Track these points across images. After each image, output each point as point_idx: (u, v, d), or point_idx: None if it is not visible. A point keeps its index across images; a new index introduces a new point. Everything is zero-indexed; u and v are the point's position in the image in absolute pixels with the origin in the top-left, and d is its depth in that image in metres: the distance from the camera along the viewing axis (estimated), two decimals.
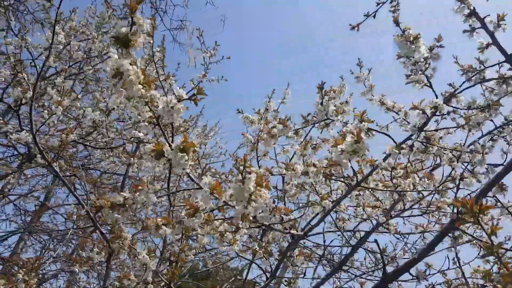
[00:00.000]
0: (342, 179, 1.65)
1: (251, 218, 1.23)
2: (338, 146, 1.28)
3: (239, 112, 2.47)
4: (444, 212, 2.01)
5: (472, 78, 1.50)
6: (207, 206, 1.28)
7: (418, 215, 2.20)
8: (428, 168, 2.08)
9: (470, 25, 1.43)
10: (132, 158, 3.69)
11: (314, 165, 1.55)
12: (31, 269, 2.03)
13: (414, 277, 1.67)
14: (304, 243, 2.67)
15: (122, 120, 4.54)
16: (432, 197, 1.95)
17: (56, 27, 2.61)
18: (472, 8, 1.38)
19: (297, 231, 1.83)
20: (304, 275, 2.35)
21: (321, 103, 1.62)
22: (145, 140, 4.06)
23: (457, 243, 1.78)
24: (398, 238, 2.43)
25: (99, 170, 4.83)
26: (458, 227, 1.57)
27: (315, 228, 1.96)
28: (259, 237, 2.52)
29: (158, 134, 1.22)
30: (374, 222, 2.21)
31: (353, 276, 2.71)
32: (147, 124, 1.08)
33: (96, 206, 1.21)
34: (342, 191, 1.75)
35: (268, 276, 2.20)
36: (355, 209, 2.15)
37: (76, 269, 2.46)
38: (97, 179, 4.26)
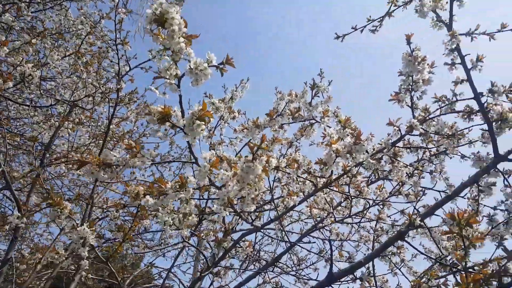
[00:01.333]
0: (312, 180, 1.72)
1: (249, 201, 1.21)
2: (333, 146, 1.33)
3: (207, 96, 2.42)
4: (384, 222, 2.20)
5: (443, 108, 1.69)
6: (201, 183, 1.24)
7: (358, 222, 2.37)
8: (378, 180, 2.26)
9: (452, 59, 1.60)
10: (65, 122, 3.36)
11: (296, 161, 1.59)
12: None
13: (358, 279, 1.79)
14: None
15: (52, 79, 4.12)
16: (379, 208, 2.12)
17: None
18: (458, 44, 1.55)
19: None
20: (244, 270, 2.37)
21: (310, 103, 1.67)
22: (80, 104, 3.73)
23: (400, 251, 1.96)
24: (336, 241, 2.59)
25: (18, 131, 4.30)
26: (404, 238, 1.74)
27: (273, 222, 2.00)
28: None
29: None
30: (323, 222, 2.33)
31: (282, 272, 2.82)
32: (170, 83, 1.01)
33: (81, 161, 1.09)
34: (308, 191, 1.82)
35: (210, 264, 2.19)
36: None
37: None
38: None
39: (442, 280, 1.65)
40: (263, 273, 2.98)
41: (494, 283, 1.29)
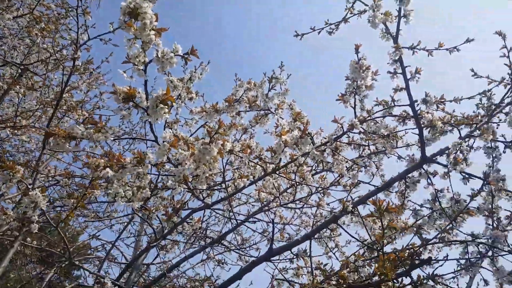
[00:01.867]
0: (262, 166, 1.87)
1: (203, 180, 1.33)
2: (282, 136, 1.48)
3: (166, 74, 2.46)
4: (323, 209, 2.42)
5: (382, 111, 1.90)
6: (159, 160, 1.33)
7: (301, 207, 2.57)
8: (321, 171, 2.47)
9: (394, 69, 1.80)
10: (16, 86, 3.23)
11: (249, 147, 1.73)
12: None
13: (294, 255, 1.99)
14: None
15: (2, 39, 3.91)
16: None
17: None
18: (400, 55, 1.74)
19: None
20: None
21: (267, 95, 1.80)
22: (31, 69, 3.59)
23: (334, 234, 2.18)
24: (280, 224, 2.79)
25: None
26: (337, 222, 1.94)
27: (222, 201, 2.13)
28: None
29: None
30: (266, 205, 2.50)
31: (226, 249, 2.99)
32: (137, 69, 1.09)
33: (48, 133, 1.14)
34: (258, 175, 1.96)
35: (158, 236, 2.29)
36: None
37: None
38: None
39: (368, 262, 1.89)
40: (208, 250, 3.13)
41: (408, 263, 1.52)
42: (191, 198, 2.35)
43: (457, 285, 2.44)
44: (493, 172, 2.03)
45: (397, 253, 1.59)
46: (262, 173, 1.88)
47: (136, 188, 1.76)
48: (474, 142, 2.07)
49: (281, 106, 1.90)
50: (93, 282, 2.29)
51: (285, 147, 1.52)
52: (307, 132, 1.46)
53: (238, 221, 2.54)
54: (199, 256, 3.24)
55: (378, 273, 1.49)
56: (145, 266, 3.17)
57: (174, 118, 2.72)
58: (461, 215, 1.74)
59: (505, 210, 1.89)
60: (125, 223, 3.56)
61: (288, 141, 1.48)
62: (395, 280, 1.60)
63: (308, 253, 1.91)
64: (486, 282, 2.44)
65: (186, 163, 1.30)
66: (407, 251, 1.68)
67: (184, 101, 2.45)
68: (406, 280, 1.55)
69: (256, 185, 2.33)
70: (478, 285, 2.34)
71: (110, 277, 2.16)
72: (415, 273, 1.54)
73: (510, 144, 1.91)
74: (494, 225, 2.03)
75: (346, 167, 2.18)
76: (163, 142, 1.27)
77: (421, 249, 1.70)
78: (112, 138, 1.22)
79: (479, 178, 1.85)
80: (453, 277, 2.63)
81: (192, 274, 3.43)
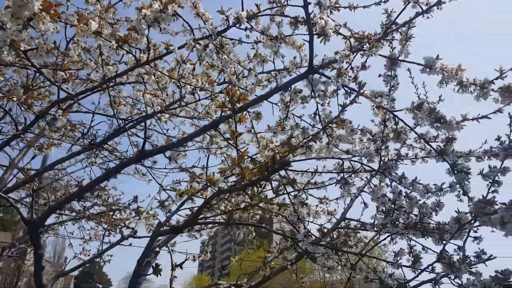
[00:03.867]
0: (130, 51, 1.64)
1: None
2: (143, 11, 1.25)
3: None
4: (210, 116, 2.30)
5: (274, 8, 1.74)
6: None
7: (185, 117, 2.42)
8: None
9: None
10: None
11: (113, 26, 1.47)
12: None
13: (168, 158, 1.88)
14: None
15: None
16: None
17: None
18: None
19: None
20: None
21: None
22: None
23: (212, 142, 2.09)
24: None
25: None
26: (216, 128, 1.84)
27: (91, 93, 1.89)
28: None
29: None
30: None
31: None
32: None
33: None
34: (130, 64, 1.73)
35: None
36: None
37: None
38: None
39: None
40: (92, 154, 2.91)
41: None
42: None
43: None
44: (388, 100, 2.03)
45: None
46: (134, 62, 1.66)
47: None
48: (366, 61, 2.03)
49: None
50: None
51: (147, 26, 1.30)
52: (170, 6, 1.24)
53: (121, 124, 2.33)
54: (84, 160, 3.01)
55: (240, 177, 1.44)
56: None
57: None
58: (331, 125, 1.72)
59: (375, 125, 1.92)
60: None
61: (148, 15, 1.25)
62: (257, 184, 1.58)
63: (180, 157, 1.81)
64: (365, 205, 2.60)
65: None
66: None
67: None
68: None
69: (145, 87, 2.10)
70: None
71: None
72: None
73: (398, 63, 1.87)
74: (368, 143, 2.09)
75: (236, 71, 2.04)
76: None
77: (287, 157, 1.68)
78: None
79: (354, 90, 1.82)
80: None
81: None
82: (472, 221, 1.52)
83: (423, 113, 1.57)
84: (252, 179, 1.43)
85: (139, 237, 2.31)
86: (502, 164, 1.46)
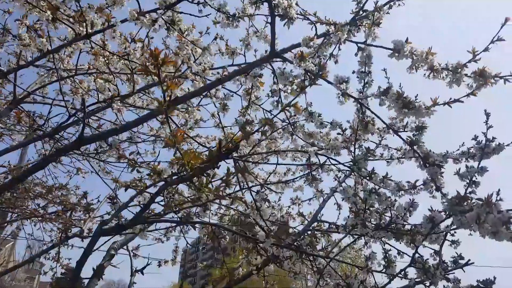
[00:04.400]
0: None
1: None
2: None
3: None
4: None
5: None
6: None
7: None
8: None
9: None
10: None
11: None
12: None
13: (108, 145, 1.69)
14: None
15: None
16: None
17: None
18: None
19: None
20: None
21: None
22: None
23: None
24: None
25: None
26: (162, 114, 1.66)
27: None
28: None
29: None
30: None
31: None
32: None
33: None
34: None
35: None
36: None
37: None
38: None
39: None
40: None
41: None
42: None
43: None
44: (363, 97, 1.87)
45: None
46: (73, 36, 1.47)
47: None
48: (335, 49, 1.88)
49: None
50: None
51: None
52: None
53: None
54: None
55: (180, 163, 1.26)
56: None
57: None
58: (288, 109, 1.56)
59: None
60: None
61: None
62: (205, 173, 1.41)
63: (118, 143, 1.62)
64: (339, 207, 2.44)
65: None
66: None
67: None
68: None
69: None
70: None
71: None
72: None
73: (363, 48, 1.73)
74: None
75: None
76: None
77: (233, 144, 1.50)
78: None
79: (326, 80, 1.67)
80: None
81: None
82: (446, 220, 1.38)
83: (390, 98, 1.42)
84: (196, 166, 1.25)
85: (84, 237, 2.09)
86: (479, 164, 1.38)
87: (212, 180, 1.41)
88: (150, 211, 2.06)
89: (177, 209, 1.85)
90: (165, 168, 1.52)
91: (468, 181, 1.34)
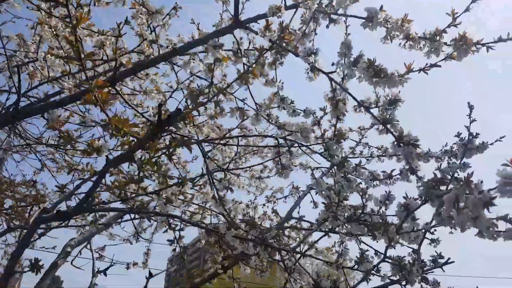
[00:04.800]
0: None
1: None
2: None
3: None
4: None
5: None
6: None
7: None
8: None
9: None
10: None
11: None
12: None
13: (46, 119, 1.49)
14: None
15: None
16: None
17: None
18: None
19: None
20: None
21: None
22: None
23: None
24: None
25: None
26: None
27: None
28: None
29: None
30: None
31: None
32: None
33: None
34: None
35: None
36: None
37: None
38: None
39: None
40: None
41: None
42: None
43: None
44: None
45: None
46: None
47: None
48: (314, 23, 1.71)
49: None
50: None
51: None
52: None
53: None
54: None
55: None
56: None
57: None
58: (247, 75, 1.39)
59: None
60: None
61: None
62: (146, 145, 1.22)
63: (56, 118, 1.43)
64: (315, 204, 2.27)
65: None
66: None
67: None
68: None
69: None
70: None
71: None
72: None
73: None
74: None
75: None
76: None
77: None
78: None
79: (290, 51, 1.50)
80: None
81: None
82: (421, 206, 1.23)
83: (361, 67, 1.26)
84: (130, 133, 1.07)
85: (27, 228, 1.87)
86: (461, 160, 1.35)
87: (155, 156, 1.22)
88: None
89: (128, 197, 1.66)
90: (105, 144, 1.32)
91: (449, 177, 1.21)
